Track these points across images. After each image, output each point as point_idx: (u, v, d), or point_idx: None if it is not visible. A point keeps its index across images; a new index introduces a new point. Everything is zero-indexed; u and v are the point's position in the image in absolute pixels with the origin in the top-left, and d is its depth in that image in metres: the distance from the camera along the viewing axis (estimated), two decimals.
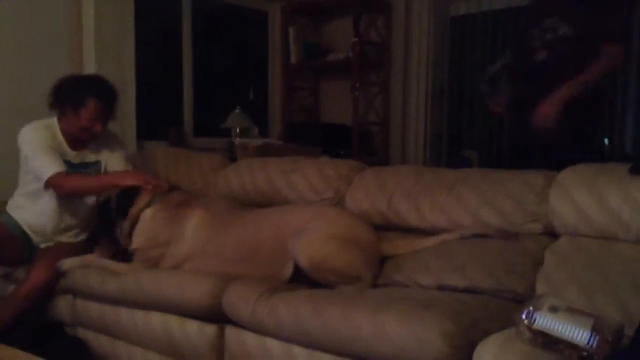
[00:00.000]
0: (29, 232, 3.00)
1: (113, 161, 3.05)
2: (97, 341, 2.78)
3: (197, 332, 2.38)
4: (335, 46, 5.08)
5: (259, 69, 5.24)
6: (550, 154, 2.86)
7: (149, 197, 2.75)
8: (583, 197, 2.10)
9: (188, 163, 3.45)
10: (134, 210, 2.74)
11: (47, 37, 3.69)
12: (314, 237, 2.36)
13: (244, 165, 3.23)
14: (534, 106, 2.86)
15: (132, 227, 2.74)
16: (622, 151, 4.16)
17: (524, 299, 1.97)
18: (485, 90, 3.38)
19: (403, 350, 1.81)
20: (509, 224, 2.28)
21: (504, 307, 1.98)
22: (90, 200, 3.02)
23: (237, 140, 4.22)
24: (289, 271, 2.40)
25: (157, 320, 2.51)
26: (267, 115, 5.23)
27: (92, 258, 2.82)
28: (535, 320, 1.59)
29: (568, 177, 2.19)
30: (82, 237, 3.07)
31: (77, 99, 2.85)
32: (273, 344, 2.16)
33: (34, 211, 2.98)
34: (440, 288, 2.20)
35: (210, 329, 2.36)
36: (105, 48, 3.81)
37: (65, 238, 3.02)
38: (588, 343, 1.52)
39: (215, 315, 2.33)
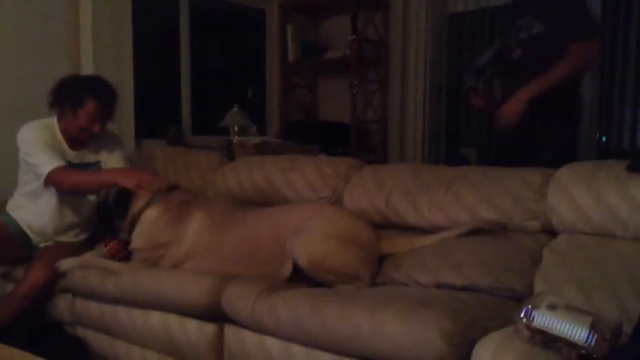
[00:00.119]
0: (28, 231, 3.00)
1: (112, 161, 3.05)
2: (97, 340, 2.78)
3: (196, 331, 2.39)
4: (333, 44, 5.08)
5: (256, 66, 5.24)
6: (521, 152, 2.92)
7: (148, 196, 2.75)
8: (581, 195, 2.10)
9: (186, 161, 3.45)
10: (132, 210, 2.73)
11: (45, 37, 3.68)
12: (313, 236, 2.36)
13: (242, 164, 3.23)
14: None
15: (132, 226, 2.74)
16: (619, 148, 4.16)
17: (522, 296, 1.99)
18: (470, 83, 3.41)
19: (402, 349, 1.81)
20: (507, 222, 2.28)
21: (502, 305, 1.99)
22: (91, 199, 3.02)
23: (235, 138, 4.21)
24: (287, 270, 2.40)
25: (156, 319, 2.51)
26: (265, 113, 5.23)
27: (90, 258, 2.82)
28: (533, 318, 1.60)
29: (566, 174, 2.19)
30: (83, 237, 3.08)
31: (76, 99, 2.85)
32: (272, 343, 2.17)
33: (34, 211, 2.98)
34: (439, 286, 2.20)
35: (209, 328, 2.36)
36: (103, 47, 3.81)
37: (66, 238, 3.02)
38: (586, 341, 1.52)
39: (214, 313, 2.33)
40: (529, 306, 1.62)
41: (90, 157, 3.03)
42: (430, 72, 4.75)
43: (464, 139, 4.92)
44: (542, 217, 2.23)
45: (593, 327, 1.53)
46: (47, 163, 2.79)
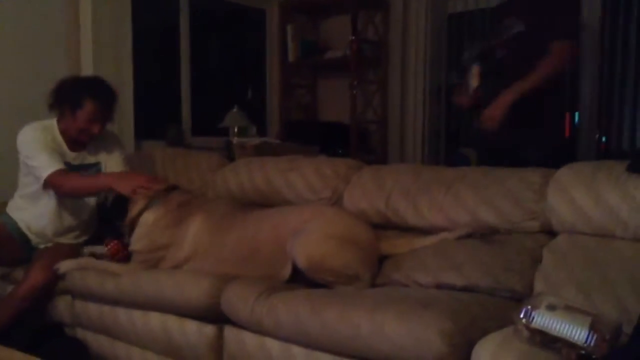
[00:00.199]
0: (28, 233, 3.00)
1: (111, 162, 3.05)
2: (96, 341, 2.78)
3: (195, 332, 2.38)
4: (333, 44, 5.07)
5: (256, 67, 5.24)
6: (502, 153, 2.95)
7: (145, 200, 2.74)
8: (581, 195, 2.10)
9: (186, 162, 3.45)
10: (131, 214, 2.73)
11: (45, 37, 3.68)
12: (312, 237, 2.36)
13: (242, 165, 3.23)
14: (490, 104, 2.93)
15: (131, 229, 2.74)
16: (619, 148, 4.16)
17: (522, 297, 1.99)
18: (457, 80, 3.42)
19: (402, 349, 1.81)
20: (507, 222, 2.28)
21: (502, 306, 1.99)
22: (90, 202, 3.02)
23: (235, 139, 4.21)
24: (287, 271, 2.40)
25: (155, 321, 2.51)
26: (265, 114, 5.22)
27: (89, 260, 2.82)
28: (533, 319, 1.60)
29: (565, 175, 2.20)
30: (83, 239, 3.07)
31: (75, 100, 2.85)
32: (272, 344, 2.16)
33: (34, 213, 2.98)
34: (439, 287, 2.20)
35: (209, 329, 2.36)
36: (103, 47, 3.80)
37: (66, 240, 3.02)
38: (586, 341, 1.52)
39: (214, 315, 2.33)
40: (529, 306, 1.62)
41: (90, 159, 3.03)
42: (430, 72, 4.74)
43: (463, 139, 4.91)
44: (541, 217, 2.23)
45: (593, 328, 1.54)
46: (47, 166, 2.79)
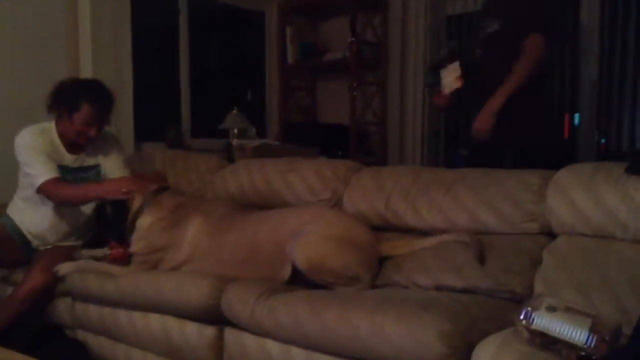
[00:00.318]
0: (28, 235, 3.00)
1: (110, 164, 3.05)
2: (97, 343, 2.78)
3: (195, 334, 2.38)
4: (332, 45, 5.08)
5: (256, 69, 5.24)
6: (486, 153, 2.99)
7: (139, 203, 2.75)
8: (580, 196, 2.10)
9: (185, 164, 3.45)
10: (132, 210, 2.75)
11: (44, 37, 3.68)
12: (312, 239, 2.36)
13: (242, 166, 3.23)
14: (475, 103, 2.99)
15: (131, 231, 2.75)
16: (618, 149, 4.16)
17: (522, 298, 1.99)
18: (429, 81, 3.44)
19: (401, 351, 1.81)
20: (507, 224, 2.28)
21: (501, 307, 1.99)
22: (90, 205, 3.02)
23: (235, 141, 4.21)
24: (287, 272, 2.40)
25: (155, 322, 2.51)
26: (265, 116, 5.22)
27: (88, 262, 2.82)
28: (533, 320, 1.60)
29: (565, 176, 2.20)
30: (82, 241, 3.07)
31: (72, 103, 2.85)
32: (272, 345, 2.17)
33: (34, 215, 2.98)
34: (438, 288, 2.20)
35: (209, 331, 2.36)
36: (102, 48, 3.80)
37: (65, 242, 3.02)
38: (586, 342, 1.52)
39: (214, 316, 2.33)
40: (529, 308, 1.63)
41: (89, 161, 3.02)
42: None
43: (463, 139, 4.91)
44: (541, 218, 2.23)
45: (592, 329, 1.54)
46: (41, 174, 2.79)
